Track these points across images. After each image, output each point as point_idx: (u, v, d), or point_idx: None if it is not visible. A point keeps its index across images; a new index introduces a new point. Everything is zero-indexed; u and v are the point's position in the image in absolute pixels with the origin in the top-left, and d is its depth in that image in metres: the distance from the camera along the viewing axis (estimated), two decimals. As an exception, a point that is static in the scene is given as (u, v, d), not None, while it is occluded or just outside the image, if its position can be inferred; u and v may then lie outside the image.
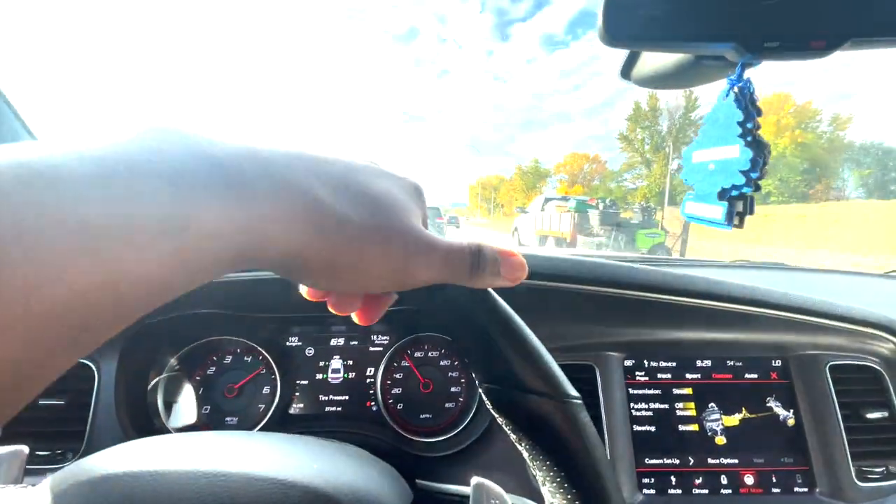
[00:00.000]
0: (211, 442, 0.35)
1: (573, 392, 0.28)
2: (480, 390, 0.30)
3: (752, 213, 0.42)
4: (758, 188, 0.42)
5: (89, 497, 0.28)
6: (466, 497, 0.36)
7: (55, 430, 0.65)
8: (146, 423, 0.68)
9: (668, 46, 0.49)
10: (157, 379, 0.70)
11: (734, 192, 0.43)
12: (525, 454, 0.29)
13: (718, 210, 0.45)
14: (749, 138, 0.43)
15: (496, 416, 0.30)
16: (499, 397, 0.29)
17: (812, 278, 1.28)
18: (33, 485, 0.32)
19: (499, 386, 0.29)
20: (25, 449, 0.39)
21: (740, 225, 0.43)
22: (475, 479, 0.36)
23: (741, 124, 0.44)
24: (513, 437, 0.29)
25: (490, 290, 0.30)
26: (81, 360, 0.67)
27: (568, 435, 0.27)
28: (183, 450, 0.33)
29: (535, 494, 0.61)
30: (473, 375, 0.31)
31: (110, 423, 0.64)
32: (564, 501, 0.27)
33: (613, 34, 0.44)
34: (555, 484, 0.28)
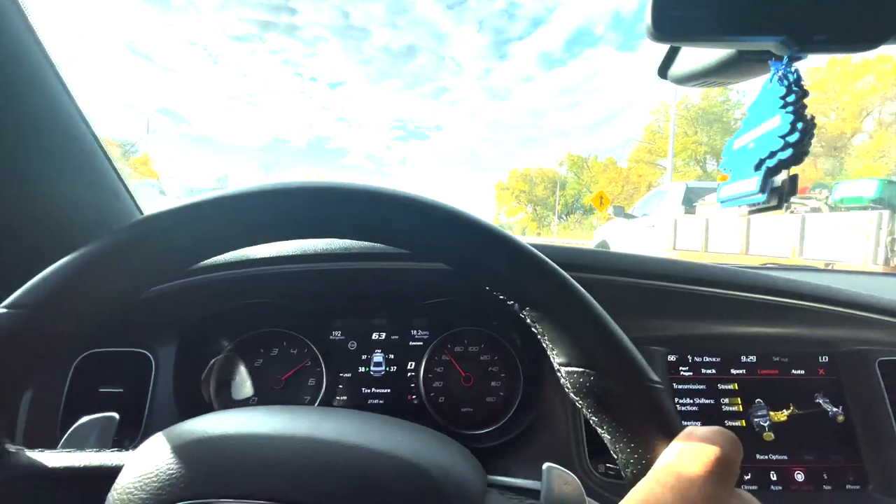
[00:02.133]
0: (298, 413, 0.36)
1: (654, 377, 0.29)
2: (560, 373, 0.31)
3: (794, 192, 0.40)
4: (798, 157, 0.39)
5: (202, 453, 0.29)
6: (535, 490, 0.36)
7: None
8: (200, 411, 0.69)
9: (715, 41, 0.49)
10: (212, 363, 0.73)
11: (770, 162, 0.40)
12: (606, 435, 0.30)
13: (752, 182, 0.42)
14: (790, 108, 0.42)
15: (575, 399, 0.30)
16: (580, 380, 0.29)
17: (860, 280, 1.26)
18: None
19: (580, 368, 0.29)
20: (116, 416, 0.40)
21: (779, 203, 0.41)
22: (546, 465, 0.37)
23: (783, 97, 0.43)
24: (593, 419, 0.30)
25: (567, 276, 0.31)
26: (139, 350, 0.69)
27: (649, 416, 0.28)
28: (277, 417, 0.34)
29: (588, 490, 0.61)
30: (552, 358, 0.31)
31: (167, 410, 0.66)
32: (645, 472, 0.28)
33: (662, 30, 0.45)
34: (635, 457, 0.28)
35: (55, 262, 0.30)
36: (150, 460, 0.29)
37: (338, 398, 0.76)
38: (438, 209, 0.31)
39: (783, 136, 0.40)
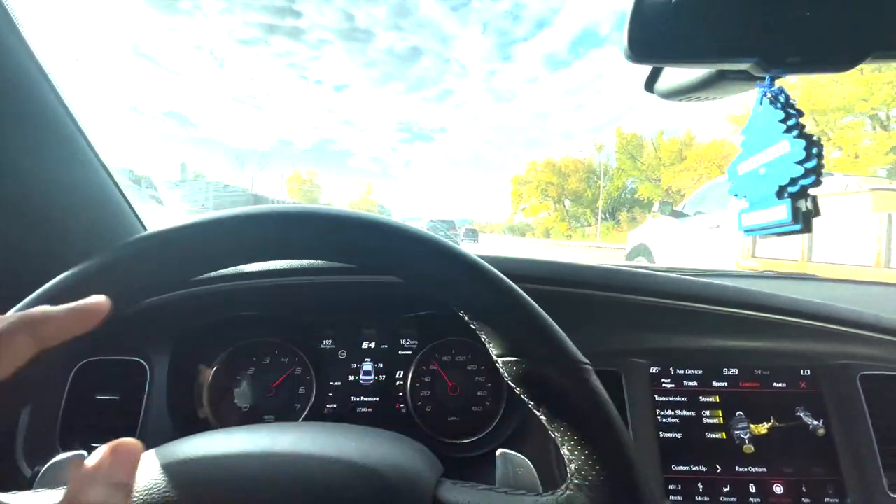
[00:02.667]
0: (256, 431, 0.38)
1: (581, 357, 0.31)
2: (498, 364, 0.32)
3: (818, 213, 0.40)
4: (818, 181, 0.40)
5: (184, 474, 0.32)
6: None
7: (109, 424, 0.70)
8: (193, 419, 0.72)
9: (691, 62, 0.51)
10: (204, 371, 0.75)
11: (794, 188, 0.41)
12: (543, 419, 0.32)
13: (781, 210, 0.42)
14: (796, 132, 0.42)
15: (513, 386, 0.32)
16: (514, 368, 0.31)
17: (844, 289, 1.26)
18: None
19: (513, 357, 0.31)
20: (85, 454, 0.42)
21: (808, 227, 0.40)
22: (500, 451, 0.38)
23: (783, 121, 0.43)
24: (530, 404, 0.32)
25: (494, 270, 0.33)
26: (134, 358, 0.72)
27: (579, 397, 0.30)
28: (235, 437, 0.36)
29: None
30: (489, 350, 0.33)
31: (160, 418, 0.69)
32: (582, 457, 0.30)
33: (638, 51, 0.46)
34: (572, 443, 0.30)
35: (52, 278, 0.32)
36: None
37: (328, 406, 0.78)
38: (375, 223, 0.33)
39: (801, 163, 0.40)
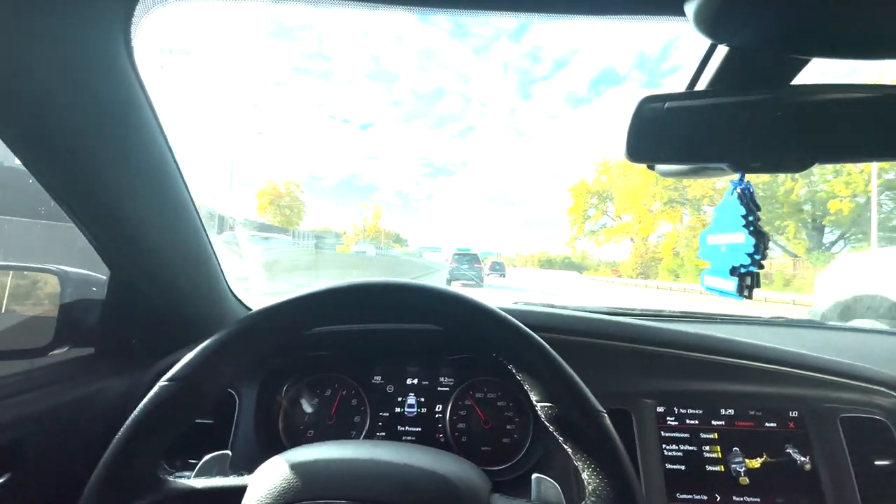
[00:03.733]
0: (361, 445, 0.52)
1: (598, 406, 0.45)
2: (536, 407, 0.47)
3: (758, 286, 0.57)
4: (761, 266, 0.56)
5: (302, 471, 0.46)
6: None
7: (205, 444, 0.84)
8: (271, 440, 0.86)
9: (676, 162, 0.68)
10: (280, 401, 0.91)
11: (743, 270, 0.57)
12: (569, 451, 0.45)
13: (731, 284, 0.59)
14: (751, 228, 0.58)
15: (548, 425, 0.46)
16: (548, 412, 0.45)
17: (844, 337, 1.36)
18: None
19: (549, 403, 0.45)
20: (229, 453, 0.57)
21: (749, 296, 0.57)
22: (535, 475, 0.52)
23: (744, 217, 0.59)
24: (560, 439, 0.46)
25: (536, 336, 0.48)
26: (227, 390, 0.87)
27: (596, 436, 0.44)
28: (346, 448, 0.50)
29: None
30: (531, 396, 0.48)
31: (247, 438, 0.83)
32: (596, 480, 0.43)
33: (635, 155, 0.63)
34: (589, 470, 0.44)
35: (186, 344, 0.49)
36: (268, 478, 0.46)
37: (377, 434, 0.92)
38: (445, 296, 0.49)
39: (750, 255, 0.57)
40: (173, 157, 0.71)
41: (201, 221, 0.85)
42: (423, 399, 0.95)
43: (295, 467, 0.46)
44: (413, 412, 0.94)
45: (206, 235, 0.87)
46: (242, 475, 0.50)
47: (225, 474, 0.53)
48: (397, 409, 0.94)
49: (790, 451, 0.81)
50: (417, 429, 0.92)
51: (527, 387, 0.48)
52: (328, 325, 0.54)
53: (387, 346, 0.95)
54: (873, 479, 0.77)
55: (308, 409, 0.92)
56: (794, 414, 0.84)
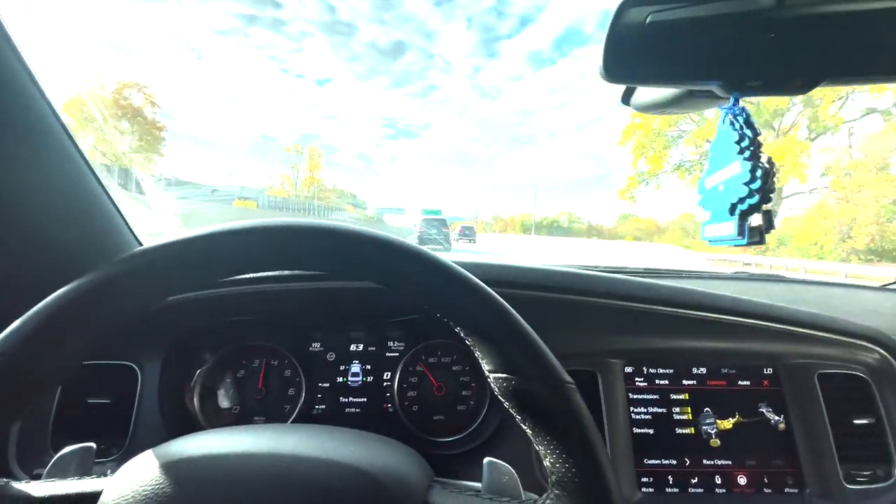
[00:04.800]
0: (260, 431, 0.41)
1: (567, 377, 0.34)
2: (489, 379, 0.35)
3: (772, 226, 0.44)
4: (765, 199, 0.44)
5: (171, 475, 0.34)
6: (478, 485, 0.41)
7: (101, 427, 0.71)
8: (185, 421, 0.74)
9: (660, 83, 0.55)
10: (195, 375, 0.77)
11: (742, 206, 0.45)
12: (529, 432, 0.35)
13: (730, 226, 0.47)
14: (747, 153, 0.47)
15: (503, 400, 0.35)
16: (504, 385, 0.34)
17: (810, 290, 1.32)
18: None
19: (504, 374, 0.34)
20: (93, 446, 0.44)
21: (761, 240, 0.44)
22: (487, 459, 0.42)
23: (738, 143, 0.48)
24: (517, 418, 0.35)
25: (491, 292, 0.36)
26: (125, 362, 0.73)
27: (564, 414, 0.33)
28: (238, 437, 0.39)
29: (542, 491, 0.66)
30: (482, 366, 0.36)
31: (152, 420, 0.71)
32: (563, 469, 0.33)
33: (612, 73, 0.50)
34: (554, 456, 0.33)
35: (47, 286, 0.34)
36: (127, 483, 0.34)
37: (317, 407, 0.81)
38: (377, 239, 0.36)
39: (746, 184, 0.45)
40: (47, 102, 0.62)
41: (90, 167, 0.69)
42: (368, 366, 0.84)
43: (168, 467, 0.35)
44: (358, 381, 0.83)
45: (100, 184, 0.71)
46: (109, 462, 0.38)
47: (88, 473, 0.41)
48: (339, 379, 0.83)
49: (764, 411, 0.75)
50: (362, 399, 0.82)
51: (478, 354, 0.36)
52: (223, 279, 0.40)
53: (325, 308, 0.82)
54: (852, 439, 0.72)
55: (228, 383, 0.80)
56: (769, 371, 0.78)
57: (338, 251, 0.36)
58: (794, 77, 0.48)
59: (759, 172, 0.45)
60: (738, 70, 0.49)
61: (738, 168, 0.46)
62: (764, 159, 0.45)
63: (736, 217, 0.45)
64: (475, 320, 0.35)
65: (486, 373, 0.36)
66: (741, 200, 0.45)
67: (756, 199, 0.43)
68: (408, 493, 0.36)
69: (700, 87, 0.53)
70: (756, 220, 0.44)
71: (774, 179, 0.46)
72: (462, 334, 0.36)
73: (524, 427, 0.35)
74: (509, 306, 0.36)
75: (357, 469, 0.36)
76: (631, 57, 0.49)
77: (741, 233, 0.44)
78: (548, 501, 0.35)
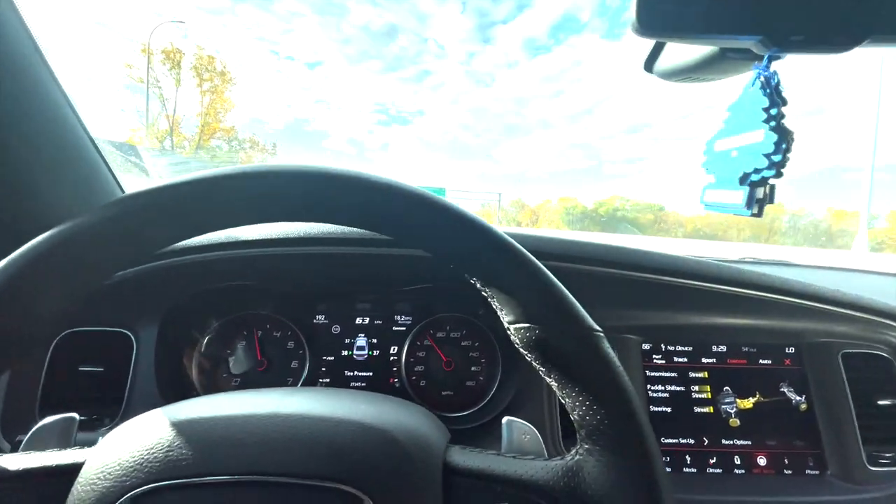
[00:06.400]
0: (261, 394, 0.37)
1: (595, 325, 0.31)
2: (509, 331, 0.32)
3: (772, 201, 0.43)
4: (780, 174, 0.42)
5: (163, 440, 0.30)
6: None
7: (94, 396, 0.67)
8: (182, 391, 0.70)
9: (697, 38, 0.51)
10: (195, 343, 0.73)
11: (755, 177, 0.43)
12: (554, 385, 0.31)
13: (739, 195, 0.45)
14: (774, 123, 0.45)
15: (524, 353, 0.32)
16: (527, 335, 0.31)
17: (822, 275, 1.30)
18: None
19: (526, 324, 0.31)
20: (76, 416, 0.40)
21: (759, 213, 0.43)
22: (506, 418, 0.38)
23: (766, 110, 0.45)
24: (541, 370, 0.32)
25: (509, 239, 0.32)
26: (119, 329, 0.69)
27: (592, 363, 0.30)
28: (237, 400, 0.35)
29: None
30: (501, 319, 0.33)
31: (148, 390, 0.67)
32: (594, 422, 0.30)
33: (646, 25, 0.46)
34: (584, 408, 0.30)
35: (27, 235, 0.30)
36: (112, 451, 0.30)
37: (321, 381, 0.77)
38: (390, 187, 0.32)
39: (768, 155, 0.42)
40: (35, 46, 0.58)
41: (76, 114, 0.64)
42: (375, 340, 0.80)
43: (157, 432, 0.31)
44: (363, 355, 0.79)
45: (86, 132, 0.66)
46: (100, 430, 0.34)
47: (68, 445, 0.37)
48: (344, 353, 0.79)
49: (785, 391, 0.73)
50: (368, 374, 0.79)
51: (496, 304, 0.32)
52: (224, 227, 0.35)
53: (330, 275, 0.78)
54: (875, 420, 0.69)
55: (229, 354, 0.76)
56: (791, 350, 0.75)
57: (340, 198, 0.32)
58: (838, 33, 0.45)
59: (783, 145, 0.42)
60: (780, 23, 0.45)
61: (761, 137, 0.44)
62: (790, 134, 0.43)
63: (746, 187, 0.43)
64: (492, 267, 0.32)
65: (506, 324, 0.32)
66: (756, 171, 0.42)
67: (773, 172, 0.41)
68: (427, 453, 0.33)
69: (738, 44, 0.49)
70: (761, 191, 0.43)
71: (790, 155, 0.44)
72: (479, 285, 0.32)
73: (548, 380, 0.32)
74: (527, 251, 0.32)
75: (372, 427, 0.32)
76: (668, 6, 0.46)
77: (749, 203, 0.42)
78: (577, 457, 0.31)
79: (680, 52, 0.55)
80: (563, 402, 0.31)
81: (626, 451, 0.29)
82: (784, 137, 0.44)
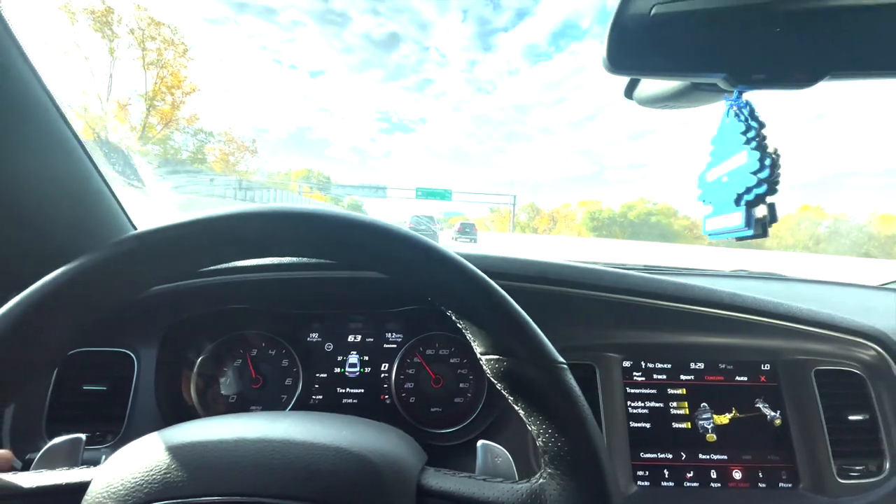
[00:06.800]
0: (251, 418, 0.40)
1: (559, 358, 0.34)
2: (481, 361, 0.35)
3: (775, 219, 0.43)
4: (772, 190, 0.43)
5: (163, 462, 0.33)
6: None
7: (96, 414, 0.71)
8: (181, 409, 0.73)
9: (665, 75, 0.55)
10: (193, 363, 0.77)
11: (749, 196, 0.44)
12: (522, 413, 0.35)
13: (737, 217, 0.46)
14: (754, 144, 0.46)
15: (495, 382, 0.35)
16: (496, 366, 0.34)
17: (809, 289, 1.33)
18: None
19: (495, 356, 0.34)
20: (83, 437, 0.44)
21: (764, 233, 0.44)
22: (481, 442, 0.41)
23: (744, 133, 0.47)
24: (510, 399, 0.35)
25: (482, 274, 0.35)
26: (121, 350, 0.73)
27: (555, 394, 0.33)
28: (229, 425, 0.38)
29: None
30: (474, 348, 0.36)
31: (148, 407, 0.70)
32: (555, 449, 0.33)
33: (616, 64, 0.50)
34: (546, 435, 0.33)
35: (38, 270, 0.33)
36: (116, 472, 0.34)
37: (314, 398, 0.80)
38: (370, 225, 0.35)
39: (755, 173, 0.44)
40: (41, 83, 0.61)
41: (86, 152, 0.68)
42: (366, 358, 0.83)
43: (156, 455, 0.34)
44: (355, 372, 0.83)
45: (97, 169, 0.70)
46: (104, 448, 0.37)
47: (76, 464, 0.40)
48: (337, 370, 0.82)
49: (760, 406, 0.76)
50: (359, 390, 0.82)
51: (469, 336, 0.36)
52: (225, 263, 0.39)
53: (322, 297, 0.82)
54: (846, 435, 0.72)
55: (226, 372, 0.79)
56: (766, 367, 0.78)
57: (330, 237, 0.36)
58: (799, 71, 0.47)
59: (767, 161, 0.44)
60: (742, 63, 0.48)
61: (745, 158, 0.45)
62: (771, 149, 0.44)
63: (742, 207, 0.44)
64: (465, 302, 0.35)
65: (479, 355, 0.35)
66: (748, 190, 0.43)
67: (764, 188, 0.42)
68: (401, 476, 0.36)
69: (704, 80, 0.53)
70: (761, 211, 0.43)
71: (779, 171, 0.45)
72: (453, 317, 0.36)
73: (517, 408, 0.35)
74: (499, 287, 0.35)
75: (349, 452, 0.35)
76: (635, 48, 0.48)
77: (748, 223, 0.43)
78: (541, 480, 0.35)
79: (655, 84, 0.58)
80: (530, 429, 0.35)
81: (583, 476, 0.33)
82: (764, 153, 0.46)
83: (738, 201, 0.45)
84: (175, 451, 0.34)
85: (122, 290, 0.35)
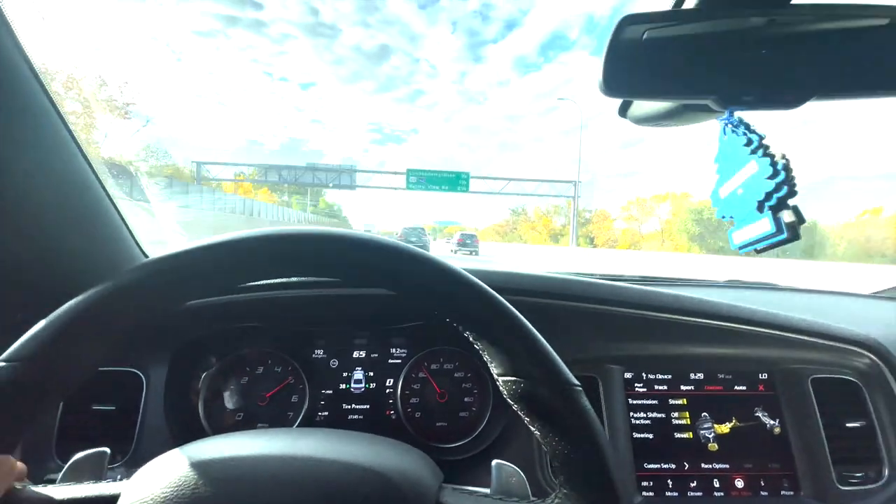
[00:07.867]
0: (275, 435, 0.42)
1: (574, 380, 0.36)
2: (498, 382, 0.37)
3: (803, 220, 0.41)
4: (793, 191, 0.42)
5: (189, 478, 0.34)
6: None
7: (106, 434, 0.71)
8: (190, 427, 0.74)
9: (657, 97, 0.57)
10: (200, 381, 0.77)
11: (771, 202, 0.43)
12: (537, 433, 0.36)
13: (765, 223, 0.44)
14: (760, 152, 0.45)
15: (511, 403, 0.37)
16: (513, 387, 0.36)
17: (803, 298, 1.35)
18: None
19: (513, 377, 0.36)
20: (107, 451, 0.45)
21: (796, 236, 0.42)
22: (495, 461, 0.43)
23: (747, 145, 0.49)
24: (526, 419, 0.36)
25: (499, 297, 0.37)
26: (130, 369, 0.73)
27: (570, 415, 0.35)
28: (255, 441, 0.39)
29: (544, 494, 0.67)
30: (491, 369, 0.38)
31: (157, 425, 0.71)
32: (571, 470, 0.34)
33: (612, 87, 0.52)
34: (563, 456, 0.35)
35: (55, 308, 0.35)
36: (146, 486, 0.35)
37: (320, 414, 0.81)
38: (387, 246, 0.37)
39: (770, 178, 0.43)
40: (53, 105, 0.62)
41: (97, 176, 0.69)
42: (371, 373, 0.84)
43: (184, 470, 0.35)
44: (360, 388, 0.83)
45: (106, 192, 0.71)
46: (118, 469, 0.38)
47: (101, 478, 0.41)
48: (342, 386, 0.83)
49: (760, 415, 0.77)
50: (365, 406, 0.83)
51: (487, 358, 0.37)
52: (242, 284, 0.41)
53: (329, 314, 0.83)
54: (844, 442, 0.74)
55: (233, 390, 0.80)
56: (764, 376, 0.80)
57: (347, 258, 0.38)
58: (787, 92, 0.50)
59: (779, 165, 0.44)
60: (732, 85, 0.51)
61: (756, 167, 0.44)
62: (779, 154, 0.45)
63: (767, 213, 0.43)
64: (484, 325, 0.37)
65: (495, 376, 0.37)
66: (768, 196, 0.43)
67: (784, 191, 0.41)
68: (421, 494, 0.37)
69: (695, 102, 0.55)
70: (788, 216, 0.42)
71: (793, 173, 0.44)
72: (470, 339, 0.37)
73: (532, 429, 0.36)
74: (516, 311, 0.37)
75: (372, 471, 0.37)
76: (629, 72, 0.51)
77: (779, 228, 0.42)
78: (556, 501, 0.36)
79: (649, 104, 0.61)
80: (545, 448, 0.36)
81: (597, 498, 0.34)
82: (773, 158, 0.46)
83: (760, 208, 0.44)
84: (204, 466, 0.36)
85: (151, 310, 0.37)
